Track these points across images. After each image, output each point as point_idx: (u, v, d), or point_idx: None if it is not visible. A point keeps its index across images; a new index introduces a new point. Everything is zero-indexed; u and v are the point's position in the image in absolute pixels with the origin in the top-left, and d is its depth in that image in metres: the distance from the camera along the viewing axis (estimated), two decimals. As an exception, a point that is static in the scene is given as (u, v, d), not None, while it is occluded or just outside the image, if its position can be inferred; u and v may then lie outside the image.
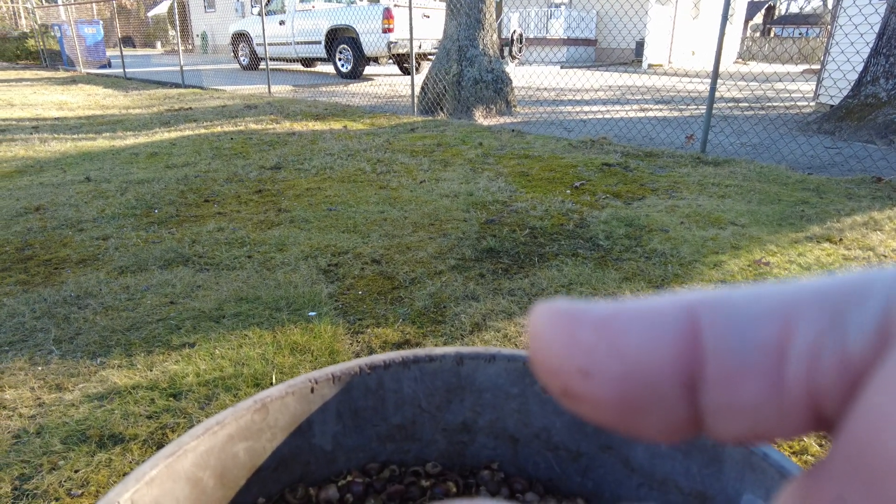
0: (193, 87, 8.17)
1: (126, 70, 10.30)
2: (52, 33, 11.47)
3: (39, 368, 1.71)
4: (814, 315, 0.11)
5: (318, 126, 5.17)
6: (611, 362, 0.12)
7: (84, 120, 5.55)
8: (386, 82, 8.84)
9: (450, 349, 0.70)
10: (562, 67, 12.72)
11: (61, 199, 3.20)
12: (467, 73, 5.71)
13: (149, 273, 2.30)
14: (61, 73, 9.85)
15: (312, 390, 0.68)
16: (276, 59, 10.84)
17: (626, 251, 2.57)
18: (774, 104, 7.35)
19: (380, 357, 0.69)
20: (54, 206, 3.09)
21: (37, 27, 11.91)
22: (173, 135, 4.81)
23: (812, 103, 6.99)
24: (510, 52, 11.17)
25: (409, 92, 5.91)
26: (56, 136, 4.82)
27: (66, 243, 2.61)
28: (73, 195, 3.27)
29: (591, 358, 0.12)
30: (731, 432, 0.12)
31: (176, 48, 9.76)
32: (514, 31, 11.43)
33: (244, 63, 11.23)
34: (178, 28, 8.90)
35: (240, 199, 3.22)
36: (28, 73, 9.76)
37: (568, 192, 3.40)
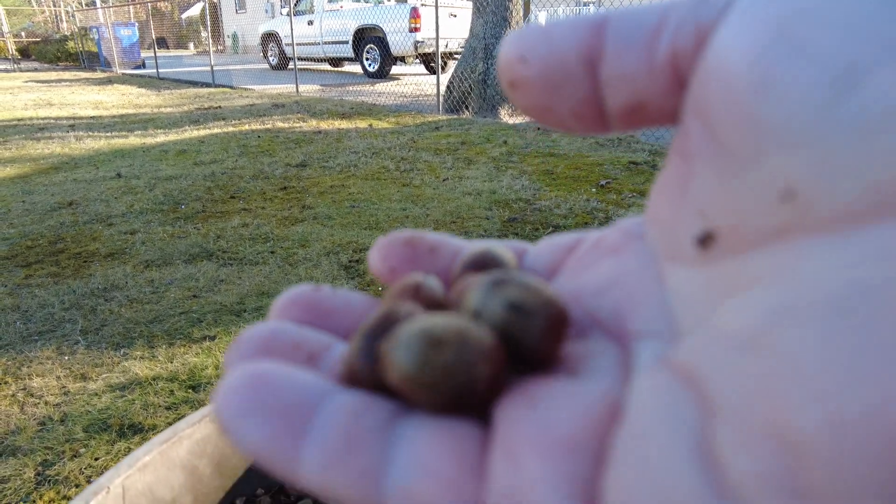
0: (223, 86, 8.32)
1: (159, 70, 10.56)
2: (91, 36, 11.85)
3: (66, 358, 1.75)
4: (686, 1, 0.15)
5: (343, 125, 5.21)
6: (541, 46, 0.16)
7: (118, 119, 5.71)
8: (412, 82, 8.86)
9: None
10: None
11: (93, 195, 3.28)
12: (493, 71, 5.67)
13: (173, 267, 2.33)
14: (98, 74, 10.15)
15: None
16: (305, 59, 10.97)
17: (652, 251, 2.51)
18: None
19: None
20: (86, 201, 3.18)
21: (76, 30, 12.32)
22: (202, 133, 4.90)
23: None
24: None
25: (435, 91, 5.90)
26: (91, 133, 4.97)
27: (96, 237, 2.67)
28: (104, 191, 3.35)
29: (530, 48, 0.16)
30: (619, 101, 0.15)
31: (207, 49, 9.97)
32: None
33: (273, 63, 11.39)
34: (209, 29, 9.08)
35: (265, 195, 3.26)
36: (67, 74, 10.08)
37: (593, 190, 3.34)
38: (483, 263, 0.19)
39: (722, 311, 0.13)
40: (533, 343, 0.15)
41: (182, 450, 0.56)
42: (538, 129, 5.04)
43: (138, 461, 0.52)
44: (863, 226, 0.10)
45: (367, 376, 0.15)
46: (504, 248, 0.20)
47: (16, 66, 12.11)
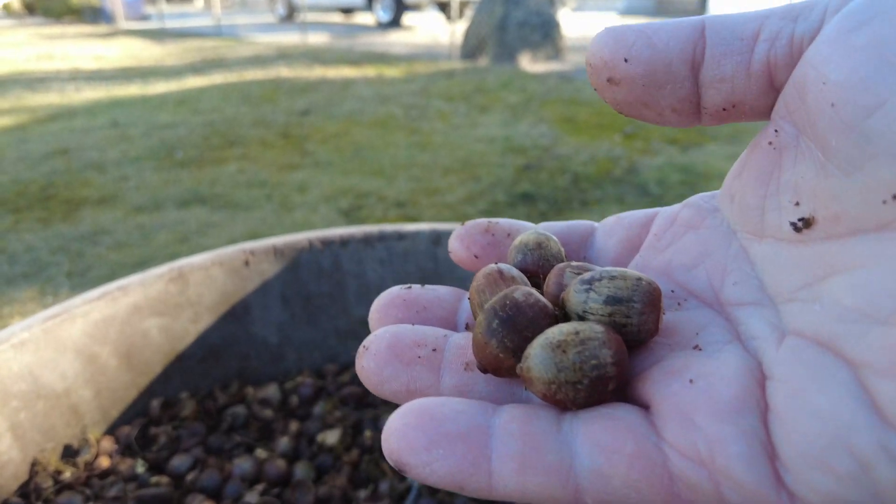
0: (229, 37, 8.06)
1: (165, 23, 10.29)
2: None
3: (49, 299, 1.66)
4: (779, 16, 0.17)
5: (351, 73, 4.96)
6: (644, 49, 0.18)
7: (119, 71, 5.53)
8: (428, 34, 8.49)
9: (424, 225, 0.51)
10: (620, 15, 11.93)
11: (88, 143, 3.14)
12: (512, 15, 5.33)
13: (164, 212, 2.19)
14: (102, 28, 9.92)
15: (247, 263, 0.50)
16: (314, 10, 10.57)
17: (680, 198, 2.26)
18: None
19: (336, 231, 0.51)
20: (80, 149, 3.04)
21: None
22: (203, 82, 4.70)
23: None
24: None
25: (451, 40, 5.58)
26: (90, 85, 4.81)
27: (88, 183, 2.54)
28: (99, 139, 3.21)
29: (631, 49, 0.18)
30: (717, 101, 0.18)
31: (214, 1, 9.65)
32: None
33: (281, 14, 11.03)
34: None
35: (265, 142, 3.08)
36: (71, 29, 9.88)
37: (617, 138, 3.10)
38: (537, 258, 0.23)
39: (834, 286, 0.15)
40: (636, 323, 0.18)
41: (75, 330, 0.41)
42: (560, 77, 4.74)
43: (13, 336, 0.38)
44: None
45: (509, 367, 0.18)
46: (551, 236, 0.23)
47: (21, 21, 11.91)
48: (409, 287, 0.22)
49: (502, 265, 0.21)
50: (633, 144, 2.98)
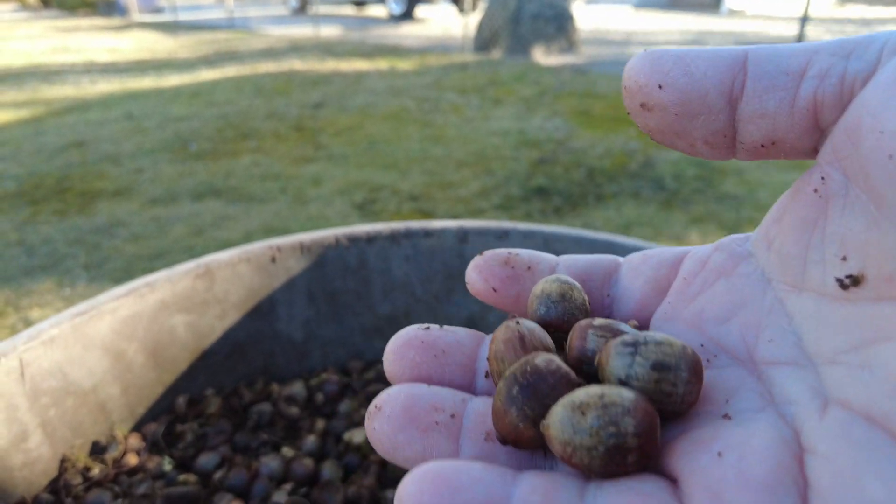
0: (242, 30, 8.07)
1: (178, 15, 10.32)
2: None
3: (66, 291, 1.68)
4: (830, 52, 0.16)
5: (364, 66, 4.94)
6: (680, 77, 0.17)
7: (133, 63, 5.55)
8: (440, 26, 8.44)
9: (451, 222, 0.50)
10: (635, 8, 11.78)
11: (103, 135, 3.16)
12: (526, 7, 5.28)
13: (179, 204, 2.20)
14: (116, 21, 9.97)
15: (273, 260, 0.49)
16: (326, 2, 10.54)
17: (696, 193, 2.26)
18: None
19: (362, 228, 0.50)
20: (95, 141, 3.05)
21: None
22: (216, 75, 4.71)
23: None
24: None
25: (464, 33, 5.54)
26: (105, 77, 4.83)
27: (103, 176, 2.55)
28: (113, 131, 3.22)
29: (667, 75, 0.17)
30: (755, 137, 0.17)
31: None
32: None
33: (294, 7, 11.02)
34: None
35: (278, 135, 3.08)
36: (85, 22, 9.94)
37: (632, 131, 3.07)
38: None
39: (887, 354, 0.14)
40: (682, 394, 0.16)
41: (103, 327, 0.41)
42: (574, 70, 4.70)
43: (42, 333, 0.38)
44: None
45: (529, 438, 0.17)
46: (575, 284, 0.22)
47: (36, 14, 12.01)
48: (428, 327, 0.21)
49: (523, 326, 0.20)
50: (649, 138, 2.94)
